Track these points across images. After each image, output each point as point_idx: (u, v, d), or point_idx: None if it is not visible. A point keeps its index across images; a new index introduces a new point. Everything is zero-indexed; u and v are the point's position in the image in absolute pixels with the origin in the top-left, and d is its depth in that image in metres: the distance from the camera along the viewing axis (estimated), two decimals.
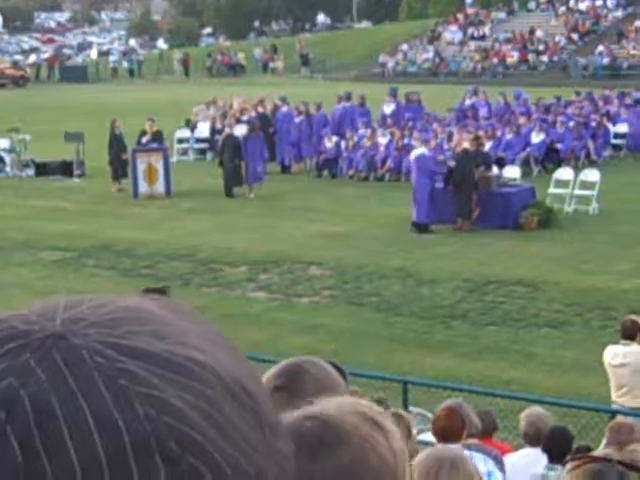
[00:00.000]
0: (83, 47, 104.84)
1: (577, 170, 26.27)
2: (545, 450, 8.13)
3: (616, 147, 32.64)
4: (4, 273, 19.91)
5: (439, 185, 23.22)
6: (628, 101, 35.53)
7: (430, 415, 9.23)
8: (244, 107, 33.99)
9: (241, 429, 0.81)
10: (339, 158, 30.07)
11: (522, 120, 30.86)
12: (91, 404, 0.76)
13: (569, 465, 2.87)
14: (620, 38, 62.58)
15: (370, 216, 23.92)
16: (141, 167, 27.24)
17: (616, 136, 32.68)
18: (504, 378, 13.87)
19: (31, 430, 0.75)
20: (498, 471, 7.20)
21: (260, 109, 33.03)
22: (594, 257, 20.17)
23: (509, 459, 8.39)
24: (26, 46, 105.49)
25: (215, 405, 0.80)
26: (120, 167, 28.26)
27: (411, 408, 10.82)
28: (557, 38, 64.21)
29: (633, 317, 11.37)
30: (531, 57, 62.99)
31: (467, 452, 6.75)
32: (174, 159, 31.61)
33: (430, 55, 66.27)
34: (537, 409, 9.11)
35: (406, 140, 28.91)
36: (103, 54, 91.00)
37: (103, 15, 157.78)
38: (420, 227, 22.57)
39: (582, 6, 68.61)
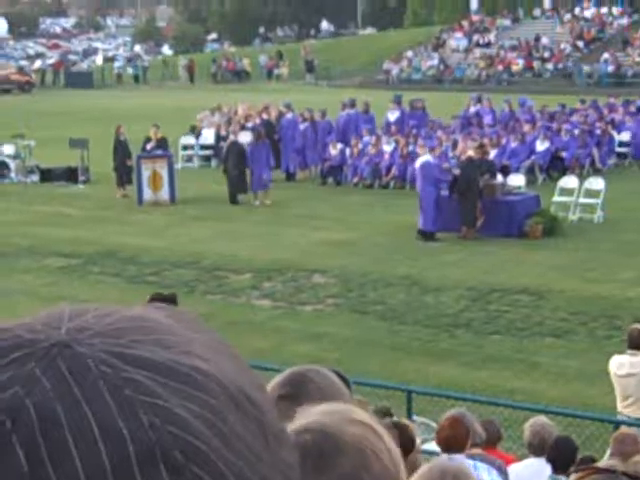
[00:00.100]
0: (88, 53, 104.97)
1: (582, 178, 26.23)
2: (549, 460, 8.12)
3: (621, 155, 32.63)
4: (9, 280, 19.92)
5: (444, 193, 23.22)
6: (632, 109, 35.51)
7: (434, 424, 9.23)
8: (249, 114, 34.00)
9: (245, 438, 0.81)
10: (344, 165, 30.06)
11: (527, 128, 30.84)
12: (96, 413, 0.76)
13: (573, 476, 2.86)
14: (625, 46, 62.58)
15: (375, 224, 23.91)
16: (146, 174, 27.24)
17: (621, 144, 32.67)
18: (508, 387, 13.84)
19: (36, 439, 0.75)
20: None
21: (265, 116, 32.99)
22: (599, 265, 20.15)
23: (513, 469, 8.38)
24: (31, 52, 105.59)
25: (219, 414, 0.80)
26: (125, 173, 28.27)
27: (415, 417, 10.82)
28: (562, 45, 64.21)
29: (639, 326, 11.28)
30: (536, 64, 62.98)
31: (471, 462, 6.74)
32: (179, 166, 31.63)
33: (435, 62, 66.28)
34: (541, 419, 9.09)
35: (411, 147, 28.86)
36: (108, 60, 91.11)
37: (108, 21, 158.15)
38: (426, 235, 22.56)
39: (587, 14, 68.70)
